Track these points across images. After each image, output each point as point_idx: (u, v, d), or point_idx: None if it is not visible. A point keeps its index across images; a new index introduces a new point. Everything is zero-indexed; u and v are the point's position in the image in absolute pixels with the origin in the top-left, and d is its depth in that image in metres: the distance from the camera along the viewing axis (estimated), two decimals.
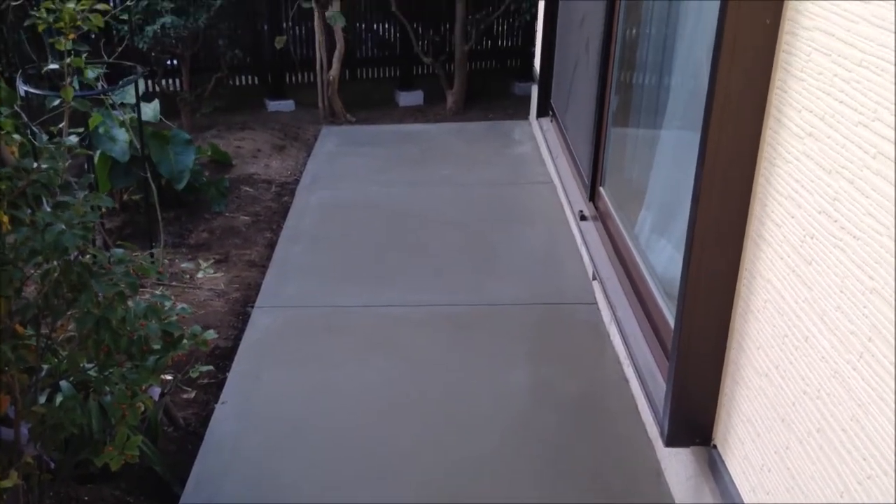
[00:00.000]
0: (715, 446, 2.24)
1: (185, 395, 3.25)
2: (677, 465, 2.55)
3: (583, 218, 3.82)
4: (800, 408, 1.76)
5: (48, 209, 2.10)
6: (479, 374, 3.24)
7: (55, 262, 2.06)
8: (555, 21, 5.30)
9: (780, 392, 1.85)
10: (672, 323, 2.45)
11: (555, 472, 2.72)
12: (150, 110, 4.61)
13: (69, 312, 2.13)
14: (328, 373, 3.26)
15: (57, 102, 3.09)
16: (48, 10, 2.68)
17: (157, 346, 2.20)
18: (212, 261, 4.02)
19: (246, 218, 4.93)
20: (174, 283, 4.05)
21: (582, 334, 3.54)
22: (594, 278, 3.78)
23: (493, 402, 3.07)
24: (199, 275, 3.77)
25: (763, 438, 1.93)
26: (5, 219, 1.94)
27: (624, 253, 3.22)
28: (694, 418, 2.26)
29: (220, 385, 3.24)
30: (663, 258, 2.86)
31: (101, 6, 2.71)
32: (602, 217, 3.64)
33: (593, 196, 3.83)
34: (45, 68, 3.07)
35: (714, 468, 2.21)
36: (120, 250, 2.23)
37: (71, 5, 2.66)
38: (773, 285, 1.91)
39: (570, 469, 2.73)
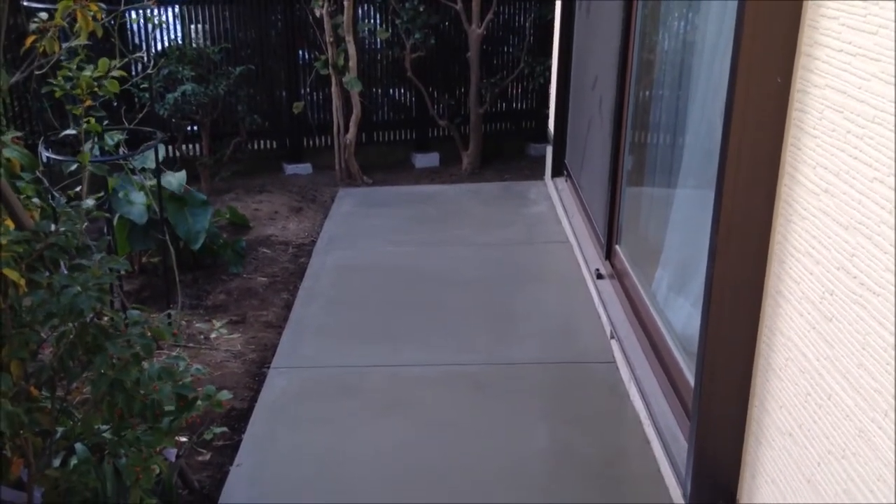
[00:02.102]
0: None
1: (199, 458, 3.21)
2: None
3: (599, 276, 3.81)
4: (825, 468, 1.71)
5: (65, 272, 2.12)
6: (496, 436, 3.19)
7: (71, 325, 2.07)
8: (568, 83, 5.38)
9: (804, 452, 1.81)
10: (692, 381, 2.41)
11: None
12: (175, 181, 4.65)
13: (84, 375, 2.13)
14: (344, 435, 3.23)
15: (74, 167, 3.15)
16: (66, 78, 2.75)
17: (170, 408, 2.19)
18: (226, 321, 4.02)
19: (263, 279, 4.95)
20: (191, 345, 4.05)
21: (601, 394, 3.49)
22: (612, 337, 3.75)
23: (511, 466, 3.01)
24: (213, 335, 3.77)
25: (788, 499, 1.88)
26: (22, 282, 1.96)
27: (641, 311, 3.19)
28: (717, 479, 2.20)
29: (235, 447, 3.21)
30: (681, 316, 2.83)
31: (117, 72, 2.78)
32: (619, 275, 3.62)
33: (609, 254, 3.82)
34: (62, 133, 3.13)
35: None
36: (136, 312, 2.24)
37: (87, 73, 2.73)
38: (793, 343, 1.88)
39: None
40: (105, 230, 4.24)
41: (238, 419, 3.46)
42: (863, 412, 1.56)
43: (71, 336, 2.09)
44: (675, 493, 2.75)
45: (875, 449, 1.51)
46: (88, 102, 2.79)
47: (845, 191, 1.66)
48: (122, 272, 4.32)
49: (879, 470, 1.49)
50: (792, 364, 1.88)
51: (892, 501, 1.45)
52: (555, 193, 5.78)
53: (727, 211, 2.01)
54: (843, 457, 1.63)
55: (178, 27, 6.61)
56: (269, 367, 3.79)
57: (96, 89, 2.76)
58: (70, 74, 2.75)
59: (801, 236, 1.85)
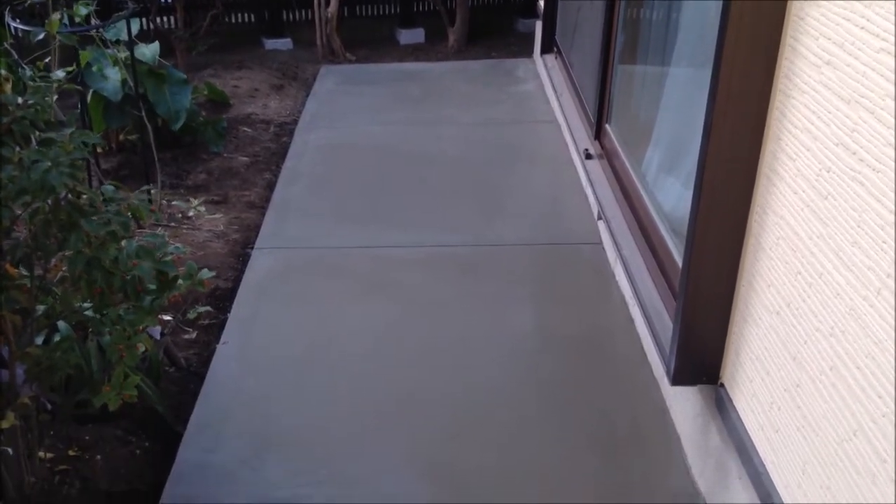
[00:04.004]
0: (722, 385, 2.21)
1: (185, 336, 3.22)
2: (683, 403, 2.53)
3: (588, 157, 3.74)
4: (812, 345, 1.71)
5: (36, 147, 2.04)
6: (482, 315, 3.21)
7: (44, 202, 2.00)
8: None
9: (791, 330, 1.81)
10: (679, 262, 2.40)
11: (560, 412, 2.69)
12: (149, 52, 4.48)
13: (61, 253, 2.08)
14: (329, 315, 3.23)
15: (42, 36, 2.99)
16: None
17: (152, 287, 2.16)
18: (203, 199, 3.95)
19: (244, 159, 4.85)
20: (172, 225, 4.00)
21: (587, 274, 3.49)
22: (599, 218, 3.72)
23: (497, 344, 3.03)
24: (191, 212, 3.71)
25: (773, 376, 1.90)
26: None
27: (630, 191, 3.15)
28: (701, 357, 2.22)
29: (220, 326, 3.21)
30: (671, 196, 2.79)
31: None
32: (608, 155, 3.56)
33: (599, 134, 3.74)
34: (29, 2, 2.96)
35: (721, 406, 2.18)
36: (110, 188, 2.17)
37: None
38: (786, 221, 1.85)
39: (575, 409, 2.70)
40: (78, 107, 4.10)
41: (223, 299, 3.45)
42: (854, 290, 1.54)
43: (45, 214, 2.03)
44: (658, 370, 2.79)
45: (865, 327, 1.50)
46: None
47: (849, 63, 1.59)
48: (99, 149, 4.22)
49: (868, 347, 1.49)
50: (783, 243, 1.86)
51: (881, 379, 1.45)
52: (544, 71, 5.62)
53: (725, 85, 1.93)
54: (832, 335, 1.63)
55: None
56: (252, 248, 3.75)
57: None
58: None
59: (800, 111, 1.79)
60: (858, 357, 1.52)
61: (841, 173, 1.61)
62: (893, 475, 1.40)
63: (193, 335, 3.24)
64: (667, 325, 2.44)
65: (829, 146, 1.66)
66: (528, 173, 4.42)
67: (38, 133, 2.07)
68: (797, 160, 1.80)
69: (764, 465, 1.93)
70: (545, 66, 5.52)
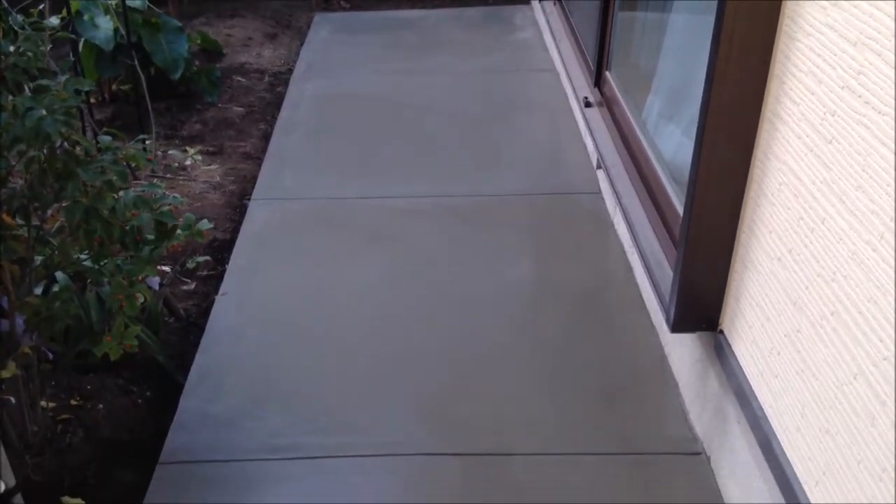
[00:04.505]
0: (722, 331, 2.22)
1: (184, 287, 3.22)
2: (682, 350, 2.54)
3: (587, 105, 3.70)
4: (813, 291, 1.71)
5: (29, 95, 2.01)
6: (481, 266, 3.20)
7: (39, 152, 1.98)
8: None
9: (792, 276, 1.81)
10: (680, 210, 2.38)
11: (559, 362, 2.71)
12: None
13: (57, 204, 2.06)
14: (328, 266, 3.22)
15: None
16: None
17: (150, 237, 2.15)
18: (199, 148, 3.91)
19: (239, 109, 4.79)
20: (168, 176, 3.97)
21: (585, 224, 3.48)
22: (598, 167, 3.70)
23: (496, 295, 3.04)
24: (188, 161, 3.68)
25: (773, 322, 1.90)
26: None
27: (630, 139, 3.12)
28: (701, 304, 2.22)
29: (219, 277, 3.21)
30: (672, 143, 2.77)
31: None
32: (608, 103, 3.52)
33: (599, 81, 3.70)
34: None
35: (720, 352, 2.19)
36: (107, 137, 2.15)
37: None
38: (788, 167, 1.83)
39: (574, 359, 2.72)
40: (70, 55, 4.04)
41: (221, 250, 3.44)
42: (857, 234, 1.54)
43: (40, 163, 2.01)
44: (657, 317, 2.80)
45: (868, 271, 1.49)
46: None
47: (855, 3, 1.55)
48: (91, 100, 4.17)
49: (871, 292, 1.48)
50: (786, 188, 1.84)
51: (883, 322, 1.45)
52: (542, 18, 5.54)
53: (728, 29, 1.90)
54: (833, 280, 1.63)
55: None
56: (249, 199, 3.73)
57: None
58: None
59: (805, 54, 1.76)
60: (860, 301, 1.52)
61: (846, 117, 1.59)
62: (893, 416, 1.41)
63: (192, 286, 3.24)
64: (667, 274, 2.44)
65: (835, 89, 1.64)
66: (527, 122, 4.38)
67: (30, 83, 2.04)
68: (801, 104, 1.78)
69: (763, 410, 1.95)
70: (543, 12, 5.43)
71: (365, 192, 3.72)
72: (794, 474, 1.77)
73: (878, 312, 1.46)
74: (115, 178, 2.02)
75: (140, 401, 2.61)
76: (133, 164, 2.12)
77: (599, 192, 3.67)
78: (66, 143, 2.01)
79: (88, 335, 2.27)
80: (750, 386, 2.02)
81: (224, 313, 2.96)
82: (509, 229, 3.43)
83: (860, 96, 1.54)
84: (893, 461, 1.41)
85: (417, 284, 3.10)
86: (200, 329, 2.90)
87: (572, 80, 4.14)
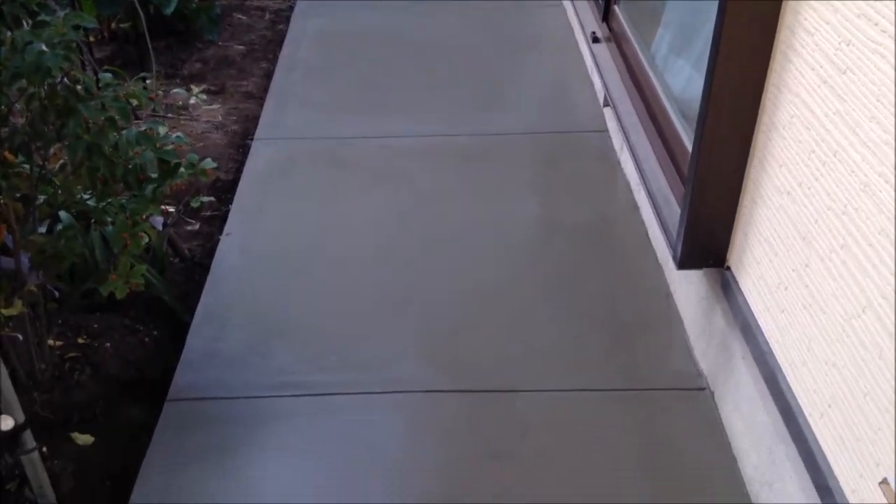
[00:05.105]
0: (729, 268, 2.21)
1: (189, 227, 3.21)
2: (688, 287, 2.54)
3: (595, 40, 3.63)
4: (823, 224, 1.69)
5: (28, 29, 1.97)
6: (487, 204, 3.18)
7: (40, 88, 1.95)
8: None
9: (802, 210, 1.79)
10: (689, 146, 2.35)
11: (565, 298, 2.71)
12: None
13: (59, 143, 2.04)
14: (332, 205, 3.20)
15: None
16: None
17: (154, 176, 2.13)
18: (204, 87, 3.86)
19: (240, 47, 4.72)
20: (170, 115, 3.93)
21: (592, 162, 3.45)
22: (606, 104, 3.65)
23: (502, 233, 3.02)
24: (192, 100, 3.63)
25: (781, 257, 1.89)
26: None
27: (639, 75, 3.07)
28: (708, 240, 2.21)
29: (223, 217, 3.20)
30: (681, 78, 2.72)
31: None
32: (616, 38, 3.45)
33: (607, 16, 3.62)
34: None
35: (727, 289, 2.18)
36: (108, 75, 2.11)
37: None
38: (801, 99, 1.80)
39: (579, 294, 2.72)
40: None
41: (224, 190, 3.42)
42: (870, 166, 1.51)
43: (41, 99, 1.98)
44: (664, 254, 2.79)
45: (879, 203, 1.48)
46: None
47: None
48: (91, 38, 4.10)
49: (882, 223, 1.47)
50: (797, 121, 1.81)
51: (893, 254, 1.43)
52: None
53: None
54: (844, 213, 1.61)
55: None
56: (252, 139, 3.70)
57: None
58: None
59: None
60: (871, 234, 1.51)
61: (862, 46, 1.55)
62: None
63: (196, 227, 3.23)
64: (674, 210, 2.42)
65: (850, 18, 1.59)
66: (533, 59, 4.31)
67: (29, 19, 2.00)
68: (816, 34, 1.74)
69: (769, 345, 1.95)
70: None
71: (369, 132, 3.68)
72: (799, 407, 1.78)
73: (889, 244, 1.44)
74: (116, 114, 1.99)
75: (147, 340, 2.62)
76: (134, 103, 2.09)
77: (606, 130, 3.63)
78: (66, 79, 1.98)
79: (94, 274, 2.26)
80: (756, 321, 2.02)
81: (229, 253, 2.96)
82: (515, 168, 3.40)
83: (877, 24, 1.50)
84: None
85: (423, 223, 3.09)
86: (205, 269, 2.90)
87: (579, 14, 4.06)
